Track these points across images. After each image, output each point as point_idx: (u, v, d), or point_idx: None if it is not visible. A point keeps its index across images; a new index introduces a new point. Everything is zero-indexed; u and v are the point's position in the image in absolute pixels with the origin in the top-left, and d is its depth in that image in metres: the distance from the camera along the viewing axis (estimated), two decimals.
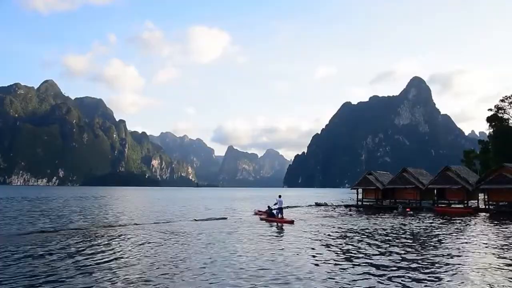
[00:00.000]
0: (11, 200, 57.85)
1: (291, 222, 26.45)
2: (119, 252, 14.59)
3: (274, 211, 28.33)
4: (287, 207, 45.96)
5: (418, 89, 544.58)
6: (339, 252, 14.76)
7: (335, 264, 12.43)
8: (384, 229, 22.70)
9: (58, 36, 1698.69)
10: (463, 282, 10.11)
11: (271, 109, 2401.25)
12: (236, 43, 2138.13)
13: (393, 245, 16.48)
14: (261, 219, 29.21)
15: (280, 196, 28.35)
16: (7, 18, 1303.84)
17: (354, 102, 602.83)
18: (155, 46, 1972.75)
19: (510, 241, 17.79)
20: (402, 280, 10.28)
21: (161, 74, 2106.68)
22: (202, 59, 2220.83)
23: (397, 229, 23.00)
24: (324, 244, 16.99)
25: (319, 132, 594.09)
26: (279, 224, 25.56)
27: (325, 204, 51.82)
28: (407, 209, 38.31)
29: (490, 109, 65.55)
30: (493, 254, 14.52)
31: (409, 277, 10.62)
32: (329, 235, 20.22)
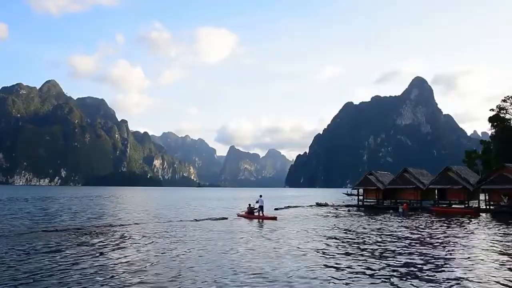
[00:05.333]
0: (32, 201, 58.15)
1: (274, 218, 28.69)
2: (119, 251, 14.69)
3: (255, 210, 30.29)
4: (288, 207, 46.82)
5: (420, 89, 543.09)
6: (338, 252, 14.79)
7: (334, 264, 12.47)
8: (383, 229, 22.72)
9: (66, 36, 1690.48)
10: (467, 282, 10.12)
11: (275, 109, 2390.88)
12: (242, 43, 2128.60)
13: (393, 245, 16.51)
14: (239, 215, 31.53)
15: (261, 196, 30.80)
16: (14, 18, 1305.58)
17: (357, 102, 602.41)
18: (162, 46, 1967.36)
19: (510, 238, 17.80)
20: (402, 281, 10.31)
21: (167, 75, 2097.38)
22: (208, 60, 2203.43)
23: (396, 229, 23.01)
24: (323, 243, 17.03)
25: (321, 132, 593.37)
26: (260, 220, 27.80)
27: (326, 204, 51.83)
28: (405, 206, 38.28)
29: (492, 109, 65.22)
30: (495, 253, 14.52)
31: (410, 277, 10.64)
32: (328, 234, 20.25)
